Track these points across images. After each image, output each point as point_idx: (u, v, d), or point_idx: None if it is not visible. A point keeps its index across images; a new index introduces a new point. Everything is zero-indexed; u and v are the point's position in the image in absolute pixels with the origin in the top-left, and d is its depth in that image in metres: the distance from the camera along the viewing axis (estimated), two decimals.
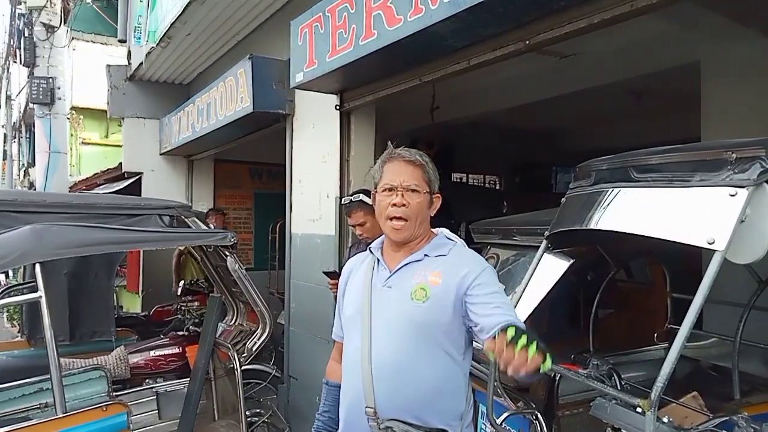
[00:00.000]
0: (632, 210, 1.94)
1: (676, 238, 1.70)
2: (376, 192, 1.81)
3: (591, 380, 2.03)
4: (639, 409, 1.67)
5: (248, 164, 8.12)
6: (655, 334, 3.15)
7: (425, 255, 1.76)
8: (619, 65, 4.57)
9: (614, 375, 2.12)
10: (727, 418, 1.78)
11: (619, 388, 2.03)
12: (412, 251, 1.77)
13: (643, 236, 1.87)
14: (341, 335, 1.92)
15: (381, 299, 1.76)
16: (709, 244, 1.59)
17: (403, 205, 1.71)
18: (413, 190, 1.72)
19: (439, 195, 1.81)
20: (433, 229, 1.84)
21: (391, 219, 1.73)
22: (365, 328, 1.74)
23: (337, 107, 4.12)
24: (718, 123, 3.53)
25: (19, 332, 5.73)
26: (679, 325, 1.67)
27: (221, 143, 6.49)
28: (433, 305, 1.66)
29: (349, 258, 3.58)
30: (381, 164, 1.81)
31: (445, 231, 1.86)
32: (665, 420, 1.66)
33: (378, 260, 1.84)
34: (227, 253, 3.33)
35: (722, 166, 1.66)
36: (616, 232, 1.99)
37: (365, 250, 3.31)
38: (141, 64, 6.88)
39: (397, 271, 1.77)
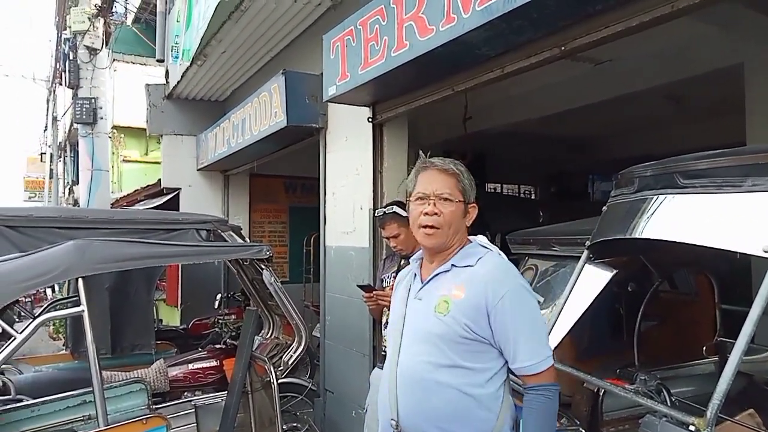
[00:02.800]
0: (679, 218, 1.86)
1: (729, 246, 1.62)
2: (409, 201, 1.81)
3: (639, 396, 1.94)
4: (693, 428, 1.58)
5: (283, 178, 8.23)
6: (704, 348, 3.02)
7: (453, 265, 1.73)
8: (656, 70, 4.46)
9: (663, 391, 2.03)
10: None
11: (669, 404, 1.94)
12: (444, 261, 1.75)
13: (689, 245, 1.79)
14: None
15: (412, 311, 1.77)
16: (766, 252, 1.50)
17: (435, 213, 1.69)
18: (446, 199, 1.70)
19: (474, 205, 1.78)
20: (469, 237, 1.81)
21: (423, 227, 1.73)
22: (397, 340, 1.76)
23: (370, 119, 4.12)
24: (764, 127, 3.39)
25: (64, 345, 5.89)
26: (729, 338, 1.59)
27: (256, 158, 6.58)
28: (453, 319, 1.63)
29: (383, 270, 3.59)
30: (415, 173, 1.80)
31: (481, 239, 1.82)
32: None
33: (415, 273, 1.84)
34: (263, 267, 3.35)
35: None
36: (660, 241, 1.92)
37: (399, 262, 3.31)
38: (178, 82, 7.06)
39: (427, 282, 1.76)
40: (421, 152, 1.85)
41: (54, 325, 9.20)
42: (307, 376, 5.78)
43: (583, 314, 2.37)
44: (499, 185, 10.19)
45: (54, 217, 3.34)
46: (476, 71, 3.12)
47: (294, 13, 4.87)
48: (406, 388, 1.68)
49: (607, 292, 2.46)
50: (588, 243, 2.33)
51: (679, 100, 5.84)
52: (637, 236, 1.96)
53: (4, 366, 3.76)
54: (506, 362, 1.68)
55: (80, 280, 2.62)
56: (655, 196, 1.95)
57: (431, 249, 1.76)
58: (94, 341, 2.59)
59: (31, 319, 2.58)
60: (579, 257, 2.43)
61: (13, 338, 2.37)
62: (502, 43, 2.75)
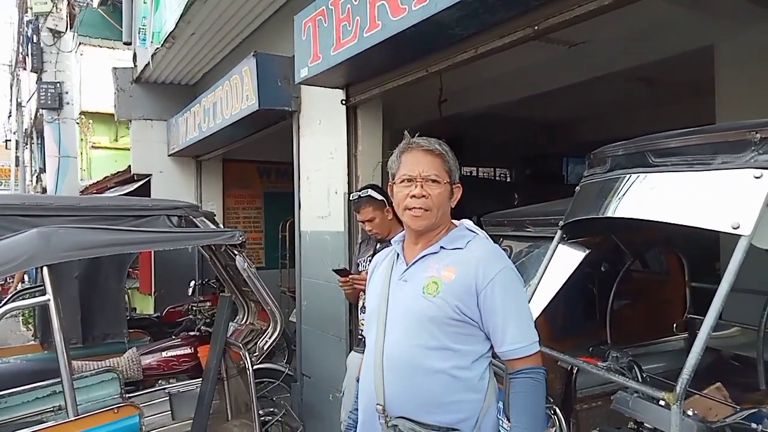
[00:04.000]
0: (651, 196, 1.87)
1: (699, 223, 1.64)
2: (393, 183, 1.74)
3: (611, 373, 1.96)
4: (663, 403, 1.61)
5: (257, 163, 8.11)
6: (674, 325, 3.09)
7: (441, 247, 1.70)
8: (629, 52, 4.49)
9: (635, 367, 2.05)
10: (756, 410, 1.71)
11: (640, 380, 1.97)
12: (430, 243, 1.72)
13: (661, 224, 1.80)
14: None
15: (397, 293, 1.72)
16: (734, 228, 1.52)
17: (423, 196, 1.66)
18: (433, 181, 1.67)
19: (459, 185, 1.75)
20: (454, 221, 1.78)
21: (410, 209, 1.68)
22: (381, 323, 1.70)
23: (343, 102, 4.07)
24: (733, 108, 3.44)
25: (33, 336, 5.76)
26: (699, 315, 1.61)
27: (229, 142, 6.47)
28: (443, 300, 1.61)
29: (359, 254, 3.56)
30: (398, 154, 1.75)
31: (467, 222, 1.79)
32: (690, 413, 1.60)
33: (398, 254, 1.80)
34: (236, 252, 3.30)
35: (745, 147, 1.58)
36: (633, 220, 1.93)
37: (375, 246, 3.30)
38: (147, 65, 6.86)
39: (413, 264, 1.72)
40: (406, 132, 1.79)
41: (24, 315, 8.99)
42: (285, 361, 5.76)
43: (557, 294, 2.38)
44: (475, 168, 10.23)
45: (17, 205, 3.24)
46: (450, 52, 3.09)
47: None
48: (394, 373, 1.63)
49: (580, 272, 2.48)
50: (561, 223, 2.34)
51: (652, 82, 5.90)
52: (609, 215, 1.97)
53: None
54: (491, 347, 1.67)
55: (45, 269, 2.55)
56: (627, 175, 1.96)
57: (418, 231, 1.72)
58: (61, 330, 2.53)
59: None
60: (553, 238, 2.44)
61: None
62: (476, 22, 2.72)
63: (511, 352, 1.61)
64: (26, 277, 9.28)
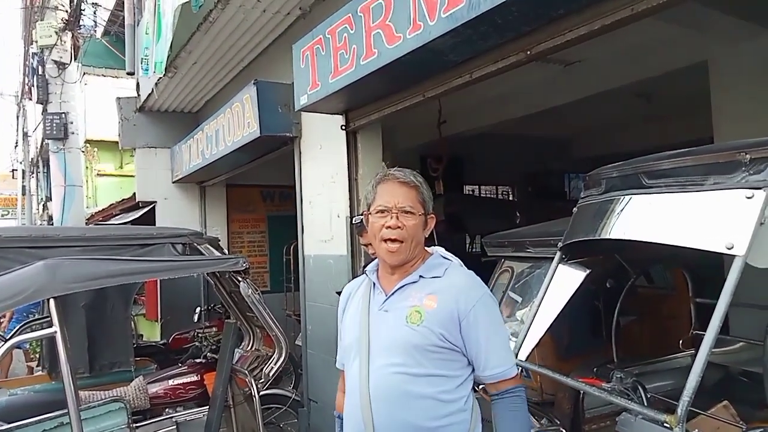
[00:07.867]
0: (646, 217, 1.89)
1: (693, 244, 1.65)
2: (369, 213, 1.77)
3: (614, 395, 1.96)
4: (666, 425, 1.60)
5: (260, 187, 8.17)
6: (680, 341, 3.07)
7: (420, 276, 1.73)
8: (626, 69, 4.53)
9: (639, 388, 2.05)
10: (764, 428, 1.70)
11: (644, 402, 1.96)
12: (407, 273, 1.74)
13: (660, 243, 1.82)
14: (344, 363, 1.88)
15: (378, 323, 1.73)
16: (728, 249, 1.54)
17: (398, 227, 1.68)
18: (408, 212, 1.69)
19: (433, 216, 1.78)
20: (427, 248, 1.81)
21: (385, 241, 1.70)
22: (363, 354, 1.71)
23: (343, 127, 4.12)
24: (730, 123, 3.47)
25: (38, 365, 5.76)
26: (704, 331, 1.62)
27: (231, 168, 6.54)
28: (427, 329, 1.63)
29: None
30: (374, 185, 1.78)
31: (440, 250, 1.83)
32: None
33: (374, 284, 1.80)
34: (240, 279, 3.32)
35: (736, 167, 1.61)
36: (631, 240, 1.94)
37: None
38: (150, 94, 6.98)
39: (393, 294, 1.74)
40: (383, 163, 1.85)
41: (30, 345, 9.01)
42: (292, 386, 5.74)
43: (561, 314, 2.39)
44: (477, 187, 10.26)
45: (24, 237, 3.27)
46: (445, 77, 3.14)
47: (263, 23, 4.86)
48: (382, 401, 1.64)
49: (585, 290, 2.49)
50: (560, 244, 2.36)
51: (650, 97, 5.95)
52: (605, 237, 1.99)
53: None
54: (473, 371, 1.70)
55: (52, 301, 2.57)
56: (622, 197, 1.98)
57: (395, 265, 1.74)
58: (68, 362, 2.53)
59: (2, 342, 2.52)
60: (553, 258, 2.46)
61: None
62: (469, 49, 2.78)
63: (495, 375, 1.67)
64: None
